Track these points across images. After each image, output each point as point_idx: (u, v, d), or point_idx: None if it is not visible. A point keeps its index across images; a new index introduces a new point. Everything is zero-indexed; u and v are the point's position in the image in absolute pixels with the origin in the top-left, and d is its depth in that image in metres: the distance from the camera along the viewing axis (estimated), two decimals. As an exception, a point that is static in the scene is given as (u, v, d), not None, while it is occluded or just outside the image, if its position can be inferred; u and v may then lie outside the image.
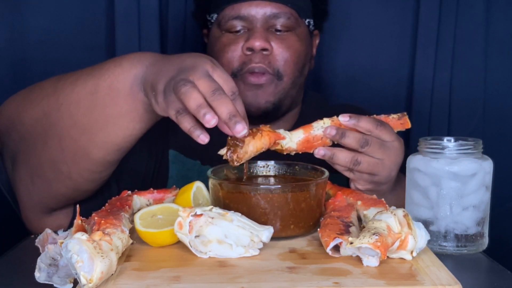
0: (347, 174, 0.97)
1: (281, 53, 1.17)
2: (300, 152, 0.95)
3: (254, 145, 0.89)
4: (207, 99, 0.83)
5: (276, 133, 0.93)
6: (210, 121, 0.81)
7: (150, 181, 1.19)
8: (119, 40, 1.47)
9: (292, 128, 1.25)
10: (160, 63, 0.93)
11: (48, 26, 1.48)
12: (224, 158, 0.89)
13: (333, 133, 0.93)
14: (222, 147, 0.90)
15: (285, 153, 0.95)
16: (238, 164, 0.89)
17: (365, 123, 0.94)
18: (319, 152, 0.94)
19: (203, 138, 0.84)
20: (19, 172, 1.06)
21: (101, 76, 0.97)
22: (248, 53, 1.16)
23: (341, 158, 0.94)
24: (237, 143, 0.88)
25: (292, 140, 0.94)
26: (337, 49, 1.53)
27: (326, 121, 0.94)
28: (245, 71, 1.16)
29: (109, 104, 0.96)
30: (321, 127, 0.94)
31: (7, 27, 1.47)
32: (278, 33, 1.18)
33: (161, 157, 1.22)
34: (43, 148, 1.01)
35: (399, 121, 0.99)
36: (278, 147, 0.94)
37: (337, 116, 0.94)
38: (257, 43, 1.14)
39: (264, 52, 1.16)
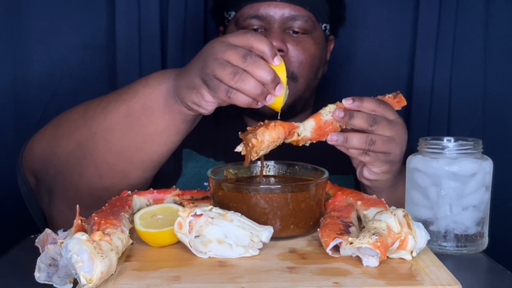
0: (362, 158, 0.96)
1: (296, 55, 1.18)
2: (314, 141, 0.95)
3: (270, 134, 0.89)
4: (242, 68, 0.86)
5: (289, 123, 0.93)
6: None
7: (166, 181, 1.19)
8: (119, 40, 1.47)
9: None
10: (183, 70, 0.96)
11: (48, 26, 1.48)
12: (242, 153, 0.89)
13: (341, 115, 0.93)
14: (234, 142, 0.90)
15: (301, 144, 0.95)
16: (257, 156, 0.89)
17: (368, 104, 0.94)
18: (332, 138, 0.94)
19: (268, 99, 0.88)
20: (57, 205, 1.08)
21: (132, 98, 1.00)
22: None
23: (355, 140, 0.94)
24: (251, 135, 0.88)
25: (306, 128, 0.94)
26: (336, 49, 1.53)
27: (331, 107, 0.95)
28: None
29: (145, 124, 0.98)
30: (328, 112, 0.94)
31: (6, 28, 1.47)
32: (294, 35, 1.19)
33: (177, 157, 1.22)
34: (80, 178, 1.03)
35: (395, 100, 1.01)
36: (294, 137, 0.93)
37: (340, 101, 0.95)
38: (274, 43, 1.13)
39: (280, 53, 1.16)
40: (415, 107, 1.52)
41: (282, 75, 0.90)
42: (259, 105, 0.91)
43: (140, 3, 1.47)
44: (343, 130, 0.96)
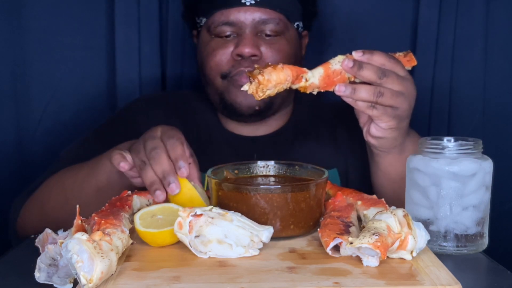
0: (369, 111, 0.94)
1: (270, 57, 1.18)
2: (322, 90, 0.92)
3: (277, 75, 0.87)
4: (147, 157, 0.94)
5: (297, 67, 0.91)
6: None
7: None
8: (119, 40, 1.47)
9: (285, 125, 1.28)
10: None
11: (48, 26, 1.48)
12: (249, 92, 0.88)
13: (350, 64, 0.91)
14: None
15: (308, 91, 0.92)
16: (263, 96, 0.88)
17: (378, 57, 0.92)
18: (340, 89, 0.91)
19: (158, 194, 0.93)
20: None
21: (99, 173, 1.06)
22: (238, 58, 1.17)
23: (364, 92, 0.91)
24: (257, 70, 0.87)
25: (314, 75, 0.91)
26: (336, 50, 1.53)
27: (341, 57, 0.93)
28: (234, 74, 1.18)
29: (110, 194, 1.01)
30: (338, 62, 0.92)
31: (7, 28, 1.47)
32: (267, 37, 1.19)
33: None
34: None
35: (405, 58, 0.98)
36: (302, 83, 0.91)
37: (350, 53, 0.93)
38: (247, 50, 1.15)
39: (253, 58, 1.17)
40: (415, 107, 1.51)
41: (188, 187, 0.93)
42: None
43: (140, 3, 1.47)
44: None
